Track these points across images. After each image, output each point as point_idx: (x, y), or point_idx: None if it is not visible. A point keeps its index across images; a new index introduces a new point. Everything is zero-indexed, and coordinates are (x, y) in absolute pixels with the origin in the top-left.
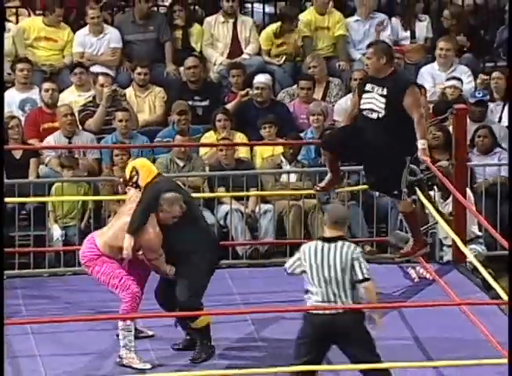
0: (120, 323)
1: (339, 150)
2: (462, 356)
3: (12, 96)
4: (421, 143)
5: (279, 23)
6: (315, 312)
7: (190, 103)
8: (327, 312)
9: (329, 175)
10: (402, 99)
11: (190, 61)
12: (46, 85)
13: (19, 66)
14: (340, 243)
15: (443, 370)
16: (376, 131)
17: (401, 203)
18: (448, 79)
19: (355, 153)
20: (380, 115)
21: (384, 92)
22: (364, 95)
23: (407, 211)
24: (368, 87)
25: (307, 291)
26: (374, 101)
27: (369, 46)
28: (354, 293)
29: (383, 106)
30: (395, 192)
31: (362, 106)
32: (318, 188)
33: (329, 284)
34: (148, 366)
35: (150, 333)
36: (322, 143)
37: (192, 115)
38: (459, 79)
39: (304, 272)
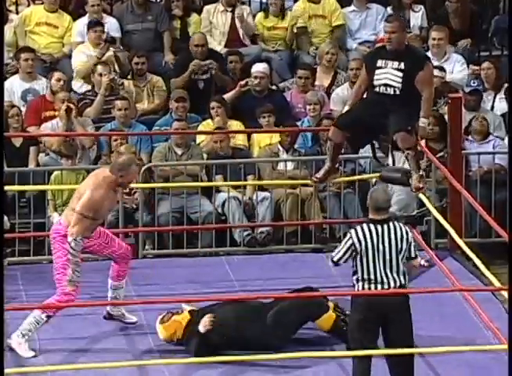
0: (38, 313)
1: (354, 128)
2: (459, 342)
3: (15, 85)
4: (422, 122)
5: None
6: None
7: (192, 76)
8: (379, 288)
9: (326, 166)
10: (417, 73)
11: (197, 39)
12: (58, 75)
13: (24, 55)
14: (391, 224)
15: (440, 357)
16: (393, 105)
17: (407, 139)
18: None
19: (370, 129)
20: (397, 90)
21: (402, 67)
22: (377, 71)
23: (412, 145)
24: (380, 63)
25: (354, 273)
26: (390, 76)
27: (390, 20)
28: (404, 271)
29: (400, 80)
30: (409, 127)
31: (375, 82)
32: (315, 179)
33: (385, 265)
34: (31, 354)
35: (134, 319)
36: (336, 124)
37: (194, 89)
38: (440, 68)
39: (355, 256)
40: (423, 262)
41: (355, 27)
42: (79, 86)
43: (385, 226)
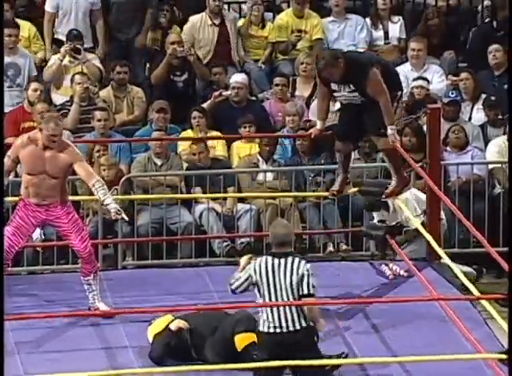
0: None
1: (351, 135)
2: (437, 351)
3: None
4: (390, 128)
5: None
6: (266, 331)
7: (171, 77)
8: (278, 331)
9: (340, 177)
10: (366, 87)
11: (173, 37)
12: (34, 85)
13: (8, 31)
14: (290, 258)
15: (418, 366)
16: (364, 109)
17: (381, 140)
18: (414, 79)
19: (363, 130)
20: (362, 101)
21: (352, 87)
22: (335, 94)
23: (388, 147)
24: (334, 86)
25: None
26: (348, 96)
27: (322, 69)
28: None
29: (359, 96)
30: (382, 130)
31: (339, 100)
32: (334, 192)
33: (276, 298)
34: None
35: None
36: (335, 138)
37: (173, 89)
38: (425, 79)
39: (254, 287)
40: (402, 272)
41: (333, 37)
42: (58, 98)
43: (282, 260)
